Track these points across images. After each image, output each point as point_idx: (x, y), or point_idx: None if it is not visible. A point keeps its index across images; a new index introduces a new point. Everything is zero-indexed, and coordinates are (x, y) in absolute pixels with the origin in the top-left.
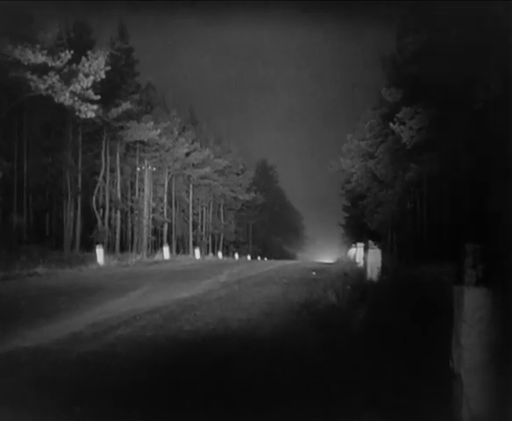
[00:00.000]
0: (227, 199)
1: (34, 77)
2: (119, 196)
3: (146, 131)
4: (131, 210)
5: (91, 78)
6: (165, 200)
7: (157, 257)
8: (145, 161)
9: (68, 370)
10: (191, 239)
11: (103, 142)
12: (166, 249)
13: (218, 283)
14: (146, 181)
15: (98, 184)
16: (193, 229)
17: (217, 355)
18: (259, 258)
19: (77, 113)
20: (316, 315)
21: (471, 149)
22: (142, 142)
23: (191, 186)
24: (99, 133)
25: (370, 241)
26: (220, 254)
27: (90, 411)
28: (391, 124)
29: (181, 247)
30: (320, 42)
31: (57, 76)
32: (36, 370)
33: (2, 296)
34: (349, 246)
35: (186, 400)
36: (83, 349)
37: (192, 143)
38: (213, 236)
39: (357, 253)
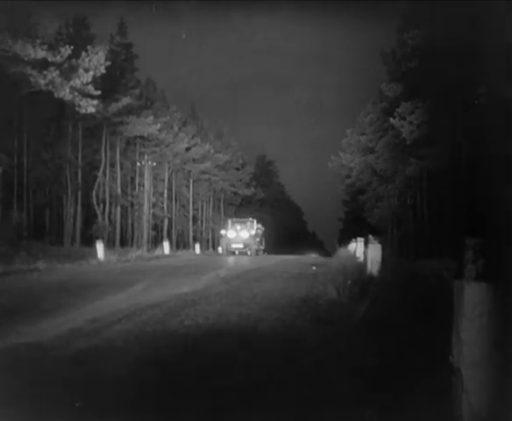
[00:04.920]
0: (227, 194)
1: (34, 72)
2: (119, 191)
3: (146, 126)
4: (132, 205)
5: (91, 73)
6: (165, 195)
7: (157, 252)
8: (146, 156)
9: (68, 366)
10: (191, 234)
11: (103, 137)
12: (166, 244)
13: (218, 278)
14: (146, 176)
15: (98, 179)
16: (193, 224)
17: (217, 350)
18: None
19: (77, 108)
20: (317, 310)
21: (471, 144)
22: (142, 137)
23: (191, 181)
24: (99, 128)
25: (370, 236)
26: (220, 249)
27: (90, 407)
28: (391, 119)
29: (181, 242)
30: (321, 39)
31: (57, 71)
32: (35, 366)
33: (1, 291)
34: (349, 241)
35: (186, 395)
36: (83, 344)
37: (192, 138)
38: (213, 231)
39: (357, 247)
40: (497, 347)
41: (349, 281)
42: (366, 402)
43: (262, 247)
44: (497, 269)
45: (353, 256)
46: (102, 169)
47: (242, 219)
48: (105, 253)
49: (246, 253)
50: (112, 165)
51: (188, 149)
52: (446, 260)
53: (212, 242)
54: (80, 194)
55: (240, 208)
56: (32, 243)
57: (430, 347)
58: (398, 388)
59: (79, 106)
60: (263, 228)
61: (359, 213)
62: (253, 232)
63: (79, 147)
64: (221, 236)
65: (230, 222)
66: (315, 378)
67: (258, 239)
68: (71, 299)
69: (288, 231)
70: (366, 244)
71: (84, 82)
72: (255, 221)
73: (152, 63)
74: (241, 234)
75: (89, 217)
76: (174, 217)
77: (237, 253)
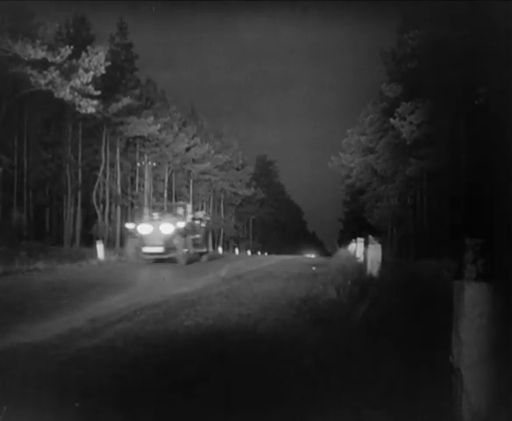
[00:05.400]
0: (227, 194)
1: (34, 72)
2: (119, 191)
3: (146, 126)
4: (132, 205)
5: (91, 73)
6: (165, 195)
7: None
8: (146, 156)
9: (68, 366)
10: None
11: (103, 137)
12: None
13: (218, 278)
14: (146, 176)
15: (98, 179)
16: None
17: (217, 350)
18: (259, 253)
19: (77, 108)
20: (316, 310)
21: (471, 144)
22: (142, 137)
23: (191, 181)
24: (99, 128)
25: (370, 236)
26: (220, 249)
27: (90, 407)
28: (391, 119)
29: None
30: (321, 39)
31: (57, 72)
32: (35, 366)
33: (1, 291)
34: (349, 241)
35: (185, 396)
36: (83, 344)
37: (192, 138)
38: (213, 231)
39: (357, 247)
40: (497, 347)
41: (349, 282)
42: (365, 402)
43: (206, 250)
44: (497, 269)
45: (353, 256)
46: (102, 169)
47: (168, 205)
48: (105, 254)
49: (174, 260)
50: (112, 165)
51: (187, 149)
52: (446, 260)
53: (212, 242)
54: (80, 194)
55: (240, 208)
56: (32, 243)
57: (429, 347)
58: (398, 389)
59: (79, 106)
60: (208, 217)
61: (359, 213)
62: (183, 226)
63: (79, 147)
64: (128, 232)
65: (146, 210)
66: (314, 378)
67: (195, 237)
68: (71, 299)
69: (287, 232)
70: (365, 244)
71: (84, 82)
72: (189, 206)
73: (152, 63)
74: (162, 229)
75: (89, 218)
76: None
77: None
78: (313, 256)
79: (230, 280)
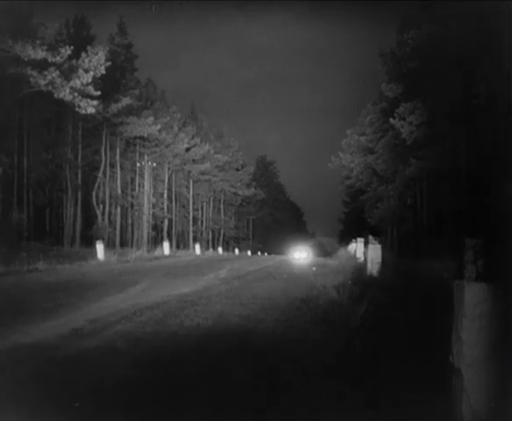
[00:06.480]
0: (227, 194)
1: (34, 73)
2: (119, 191)
3: (146, 126)
4: (132, 205)
5: (91, 74)
6: (165, 195)
7: (157, 252)
8: (145, 157)
9: (68, 366)
10: (191, 235)
11: (103, 138)
12: (166, 244)
13: (218, 279)
14: (146, 176)
15: (98, 180)
16: (193, 224)
17: (217, 351)
18: (259, 253)
19: (77, 109)
20: (317, 310)
21: (471, 144)
22: (142, 138)
23: (191, 181)
24: (99, 129)
25: (370, 236)
26: (220, 250)
27: (90, 407)
28: (391, 120)
29: (181, 243)
30: (321, 40)
31: (57, 72)
32: (36, 366)
33: (2, 291)
34: (349, 242)
35: (186, 396)
36: (83, 345)
37: (192, 138)
38: (213, 231)
39: (357, 248)
40: (497, 347)
41: (349, 282)
42: (365, 402)
43: None
44: (497, 269)
45: (353, 257)
46: (102, 170)
47: None
48: (105, 254)
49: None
50: (112, 165)
51: (187, 150)
52: (446, 260)
53: (212, 242)
54: (80, 194)
55: (240, 208)
56: (32, 243)
57: (429, 348)
58: (397, 389)
59: (79, 107)
60: None
61: (359, 214)
62: None
63: (79, 148)
64: None
65: None
66: (313, 378)
67: None
68: (71, 299)
69: (287, 232)
70: (366, 244)
71: (84, 82)
72: None
73: (152, 63)
74: None
75: (89, 218)
76: (174, 217)
77: None
78: (304, 255)
79: (230, 280)
